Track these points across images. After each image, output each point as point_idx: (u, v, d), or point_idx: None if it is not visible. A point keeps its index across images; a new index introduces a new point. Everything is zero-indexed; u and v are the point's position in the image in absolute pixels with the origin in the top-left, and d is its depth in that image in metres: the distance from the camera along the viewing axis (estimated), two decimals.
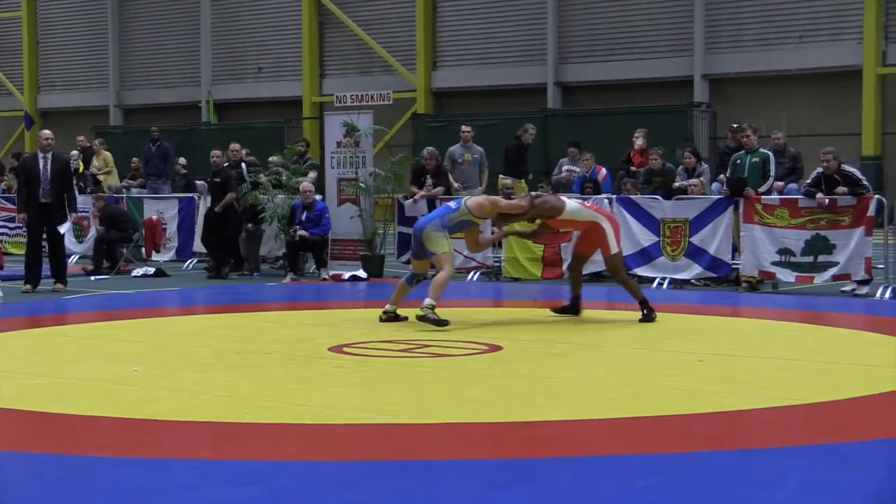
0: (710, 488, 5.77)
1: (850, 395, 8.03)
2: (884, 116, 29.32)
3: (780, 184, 16.05)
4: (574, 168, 18.78)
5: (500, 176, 18.39)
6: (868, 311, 13.42)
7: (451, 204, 12.49)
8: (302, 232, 17.15)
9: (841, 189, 14.66)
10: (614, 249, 12.21)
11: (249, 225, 18.33)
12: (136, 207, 20.94)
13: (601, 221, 12.27)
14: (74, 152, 24.04)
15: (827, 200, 14.69)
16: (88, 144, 24.70)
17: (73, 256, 21.05)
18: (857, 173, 14.97)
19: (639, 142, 18.56)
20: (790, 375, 8.90)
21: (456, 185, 17.99)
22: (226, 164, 18.55)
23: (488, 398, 8.08)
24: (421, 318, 11.46)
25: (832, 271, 14.84)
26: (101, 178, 23.30)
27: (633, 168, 18.18)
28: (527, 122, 30.52)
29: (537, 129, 29.81)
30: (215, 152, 18.63)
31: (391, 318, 12.04)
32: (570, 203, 12.49)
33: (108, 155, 24.03)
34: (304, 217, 17.33)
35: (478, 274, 17.26)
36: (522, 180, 18.32)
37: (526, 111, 31.84)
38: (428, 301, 11.54)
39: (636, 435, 7.01)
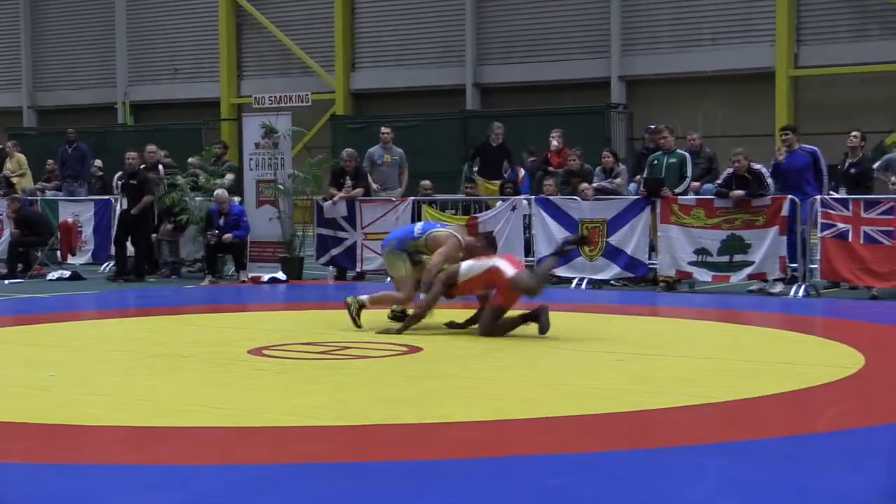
0: (626, 487, 5.83)
1: (764, 393, 8.16)
2: (796, 118, 29.77)
3: (697, 184, 16.26)
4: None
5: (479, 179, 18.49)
6: (783, 310, 13.63)
7: (418, 228, 11.90)
8: (228, 235, 17.06)
9: (735, 193, 14.91)
10: (510, 273, 10.94)
11: (169, 227, 18.21)
12: (51, 210, 20.69)
13: (495, 263, 11.09)
14: None
15: (742, 193, 14.93)
16: (1, 146, 24.33)
17: None
18: (764, 171, 15.23)
19: (554, 143, 18.64)
20: (706, 374, 9.02)
21: (375, 186, 17.99)
22: (142, 167, 18.41)
23: (408, 399, 8.10)
24: (346, 306, 11.47)
25: (748, 270, 15.07)
26: (14, 180, 22.95)
27: (551, 169, 18.29)
28: (446, 122, 30.84)
29: (456, 131, 30.07)
30: (130, 154, 18.48)
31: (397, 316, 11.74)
32: (463, 264, 11.18)
33: (21, 157, 23.67)
34: (222, 222, 17.24)
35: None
36: (497, 182, 18.29)
37: (445, 112, 31.93)
38: (363, 298, 11.51)
39: (553, 434, 7.07)
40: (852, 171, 15.59)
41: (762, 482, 5.86)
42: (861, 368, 9.12)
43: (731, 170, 15.17)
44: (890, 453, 6.53)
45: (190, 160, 19.19)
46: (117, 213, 19.15)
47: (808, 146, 15.85)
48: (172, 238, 18.42)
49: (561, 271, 16.19)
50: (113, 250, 18.80)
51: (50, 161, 24.02)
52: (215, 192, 17.45)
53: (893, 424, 7.30)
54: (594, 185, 16.65)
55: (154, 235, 18.35)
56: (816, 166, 15.45)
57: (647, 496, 5.63)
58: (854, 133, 15.98)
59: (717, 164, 17.23)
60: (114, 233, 18.90)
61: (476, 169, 18.64)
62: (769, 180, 15.13)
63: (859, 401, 8.12)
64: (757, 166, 15.27)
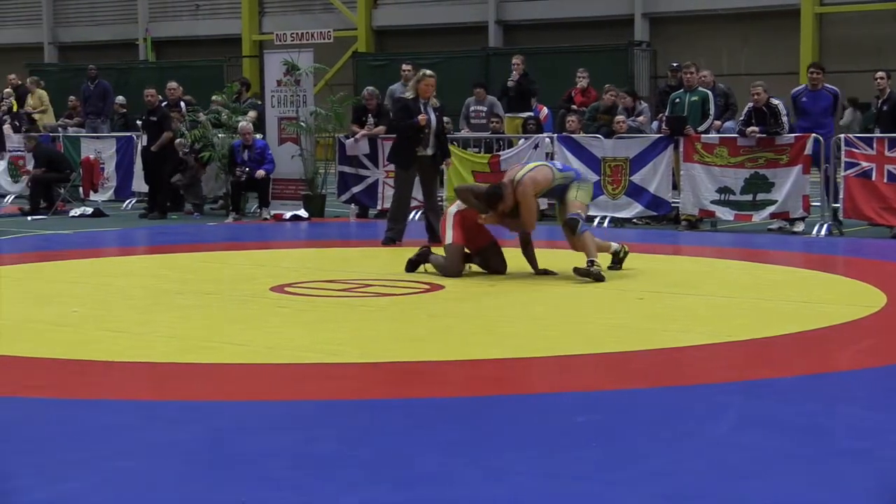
0: (650, 423, 5.84)
1: (784, 332, 8.15)
2: (821, 55, 29.51)
3: (718, 122, 16.15)
4: (481, 108, 18.63)
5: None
6: (804, 249, 13.60)
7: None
8: (261, 171, 17.11)
9: (751, 130, 14.82)
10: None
11: (192, 164, 18.23)
12: (74, 147, 20.72)
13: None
14: (8, 90, 23.70)
15: (757, 129, 14.85)
16: (20, 82, 24.32)
17: (8, 196, 20.89)
18: (781, 107, 15.06)
19: (583, 82, 18.57)
20: (727, 313, 9.01)
21: None
22: (163, 104, 18.42)
23: (430, 337, 8.12)
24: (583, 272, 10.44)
25: (771, 209, 15.01)
26: (36, 116, 23.00)
27: (573, 107, 18.21)
28: (468, 60, 30.67)
29: (478, 68, 29.90)
30: (149, 91, 18.48)
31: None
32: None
33: (43, 93, 23.70)
34: (246, 157, 17.26)
35: (420, 213, 17.24)
36: (522, 115, 18.13)
37: (467, 50, 31.75)
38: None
39: (575, 372, 7.08)
40: (885, 108, 15.52)
41: (782, 419, 5.86)
42: (883, 307, 9.10)
43: (751, 104, 15.07)
44: None
45: (213, 97, 19.15)
46: (139, 150, 19.20)
47: (830, 86, 15.73)
48: (194, 176, 18.42)
49: None
50: (145, 189, 18.85)
51: (72, 97, 24.02)
52: (239, 125, 17.45)
53: None
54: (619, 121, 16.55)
55: (192, 166, 18.31)
56: (835, 106, 15.47)
57: (672, 432, 5.64)
58: (879, 74, 15.96)
59: (734, 100, 17.09)
60: (142, 171, 18.98)
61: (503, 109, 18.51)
62: (785, 118, 14.97)
63: (880, 339, 8.10)
64: (776, 101, 15.15)
